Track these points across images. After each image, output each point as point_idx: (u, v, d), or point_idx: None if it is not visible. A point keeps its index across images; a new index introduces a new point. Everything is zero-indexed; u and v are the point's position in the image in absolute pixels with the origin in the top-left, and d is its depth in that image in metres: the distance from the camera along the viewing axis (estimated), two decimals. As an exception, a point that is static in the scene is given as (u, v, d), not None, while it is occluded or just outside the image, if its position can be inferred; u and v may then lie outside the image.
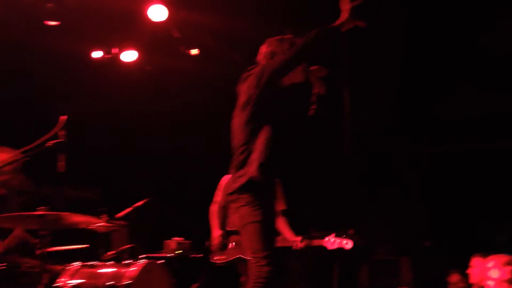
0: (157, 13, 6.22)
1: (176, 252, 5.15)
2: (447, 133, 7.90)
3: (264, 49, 3.42)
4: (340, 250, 4.60)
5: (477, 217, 7.54)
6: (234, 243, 4.69)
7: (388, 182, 7.69)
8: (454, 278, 6.16)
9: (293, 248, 4.61)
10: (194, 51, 7.05)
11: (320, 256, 5.39)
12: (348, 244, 4.48)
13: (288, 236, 4.66)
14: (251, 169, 3.12)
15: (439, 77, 7.49)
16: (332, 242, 4.52)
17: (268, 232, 3.12)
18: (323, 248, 4.58)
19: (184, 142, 7.20)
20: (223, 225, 4.84)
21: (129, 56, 6.89)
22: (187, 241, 5.28)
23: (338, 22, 3.18)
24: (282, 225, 4.66)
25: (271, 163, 3.15)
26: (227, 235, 4.74)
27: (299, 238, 4.59)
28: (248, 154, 3.17)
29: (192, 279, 5.08)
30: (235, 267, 4.68)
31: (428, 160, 8.05)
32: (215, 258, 4.78)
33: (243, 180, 3.15)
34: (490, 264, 4.26)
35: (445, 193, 7.76)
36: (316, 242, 4.48)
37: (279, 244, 4.55)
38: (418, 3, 6.67)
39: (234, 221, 4.76)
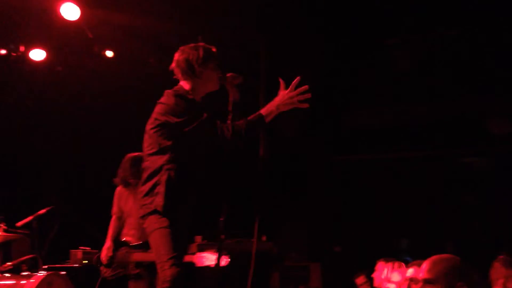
0: (70, 12, 5.99)
1: (82, 263, 4.95)
2: (358, 141, 8.23)
3: (177, 57, 3.37)
4: (251, 255, 4.58)
5: (383, 224, 7.90)
6: (120, 256, 4.56)
7: (300, 189, 7.88)
8: (360, 280, 6.42)
9: None
10: (109, 53, 6.86)
11: (231, 262, 5.39)
12: (222, 261, 4.35)
13: None
14: (157, 201, 3.09)
15: (351, 88, 7.80)
16: (200, 257, 4.42)
17: (174, 237, 3.06)
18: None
19: (93, 147, 6.96)
20: (116, 236, 4.73)
21: (37, 55, 6.57)
22: (94, 251, 5.08)
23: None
24: None
25: (180, 194, 3.12)
26: (118, 246, 4.61)
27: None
28: (156, 183, 3.11)
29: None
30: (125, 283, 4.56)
31: (338, 167, 8.34)
32: (104, 272, 4.63)
33: (149, 209, 3.11)
34: (390, 269, 4.45)
35: (353, 200, 8.08)
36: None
37: None
38: (337, 15, 6.89)
39: (128, 232, 4.73)
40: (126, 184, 4.77)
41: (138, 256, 4.40)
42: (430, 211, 7.98)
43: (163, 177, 3.09)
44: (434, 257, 2.47)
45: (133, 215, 4.64)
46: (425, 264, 2.45)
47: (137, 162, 4.37)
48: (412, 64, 7.58)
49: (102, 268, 4.61)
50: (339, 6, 6.72)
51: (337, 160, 8.30)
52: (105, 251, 4.58)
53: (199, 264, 4.39)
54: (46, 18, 6.11)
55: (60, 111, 6.97)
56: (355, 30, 6.98)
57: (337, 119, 8.12)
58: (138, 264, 4.38)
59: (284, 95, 3.20)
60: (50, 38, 6.50)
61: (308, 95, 3.22)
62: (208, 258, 4.40)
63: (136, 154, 4.58)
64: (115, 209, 4.85)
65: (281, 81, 3.24)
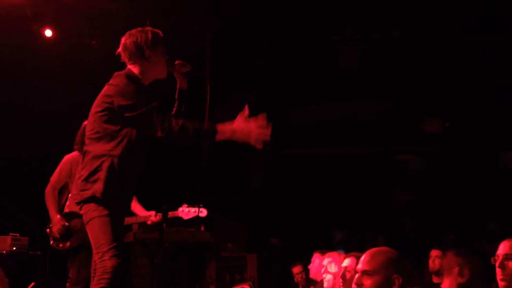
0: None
1: (12, 249, 4.75)
2: (298, 136, 8.36)
3: (124, 40, 3.27)
4: (189, 243, 4.57)
5: (319, 216, 8.09)
6: (76, 227, 4.36)
7: (239, 180, 7.91)
8: (297, 269, 6.54)
9: (148, 223, 4.47)
10: (48, 33, 6.58)
11: (168, 250, 5.35)
12: (202, 212, 4.45)
13: (141, 213, 4.51)
14: (97, 187, 2.99)
15: (295, 83, 7.92)
16: (186, 212, 4.47)
17: (114, 227, 2.98)
18: (178, 220, 4.49)
19: (25, 129, 6.65)
20: (59, 209, 4.46)
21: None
22: (23, 237, 4.89)
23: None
24: (133, 205, 4.51)
25: (120, 183, 3.04)
26: (67, 218, 4.39)
27: (152, 213, 4.47)
28: (97, 168, 3.02)
29: (29, 278, 4.71)
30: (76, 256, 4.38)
31: (277, 160, 8.45)
32: (58, 245, 4.41)
33: (87, 194, 3.01)
34: (327, 260, 4.54)
35: (291, 193, 8.21)
36: (170, 214, 4.38)
37: (133, 221, 4.44)
38: (286, 11, 6.95)
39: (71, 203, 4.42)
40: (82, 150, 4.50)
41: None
42: (363, 205, 8.24)
43: (105, 163, 3.00)
44: (372, 250, 2.55)
45: None
46: (364, 256, 2.52)
47: None
48: (354, 62, 7.79)
49: (56, 242, 4.39)
50: (288, 2, 6.79)
51: (277, 153, 8.39)
52: (58, 225, 4.32)
53: (186, 217, 4.41)
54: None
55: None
56: (303, 26, 7.08)
57: (279, 114, 8.20)
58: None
59: (249, 129, 3.09)
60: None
61: (267, 137, 3.13)
62: (192, 211, 4.41)
63: None
64: (55, 178, 4.51)
65: (246, 108, 3.15)
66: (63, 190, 4.53)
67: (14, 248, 4.76)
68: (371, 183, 8.44)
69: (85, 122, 4.35)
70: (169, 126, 3.01)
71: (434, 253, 5.30)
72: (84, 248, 4.15)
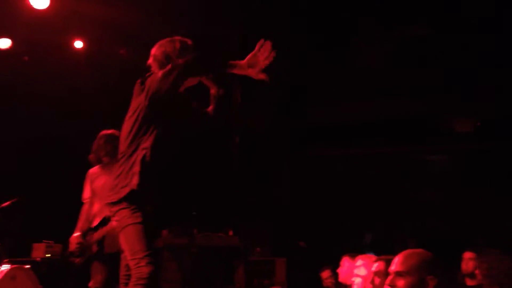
0: (38, 0, 5.87)
1: (45, 256, 4.88)
2: (325, 137, 8.34)
3: (154, 51, 3.37)
4: (217, 248, 4.57)
5: (347, 219, 8.03)
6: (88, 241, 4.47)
7: (266, 184, 7.93)
8: (326, 274, 6.52)
9: None
10: (79, 44, 6.76)
11: (196, 255, 5.41)
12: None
13: None
14: (133, 182, 3.09)
15: (320, 85, 7.89)
16: None
17: (148, 234, 3.07)
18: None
19: (60, 138, 6.84)
20: (86, 225, 4.55)
21: (3, 43, 6.43)
22: (57, 244, 5.02)
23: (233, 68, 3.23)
24: None
25: (153, 176, 3.14)
26: (87, 233, 4.48)
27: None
28: (133, 163, 3.12)
29: (62, 285, 4.83)
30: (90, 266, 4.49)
31: (304, 163, 8.44)
32: (77, 260, 4.53)
33: (125, 191, 3.10)
34: (358, 263, 4.51)
35: (319, 195, 8.18)
36: None
37: None
38: (306, 11, 6.95)
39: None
40: (100, 162, 4.58)
41: (97, 234, 4.34)
42: (394, 207, 8.15)
43: (138, 156, 3.11)
44: (406, 251, 2.56)
45: (102, 195, 4.34)
46: (398, 258, 2.52)
47: (112, 140, 4.32)
48: (378, 61, 7.72)
49: (72, 259, 4.49)
50: (309, 1, 6.79)
51: (304, 156, 8.38)
52: (74, 241, 4.42)
53: None
54: (14, 6, 5.97)
55: (27, 100, 6.83)
56: (324, 25, 7.06)
57: (304, 115, 8.19)
58: (99, 243, 4.31)
59: (255, 60, 3.20)
60: (17, 27, 6.35)
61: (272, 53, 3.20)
62: None
63: (110, 131, 4.47)
64: (86, 194, 4.60)
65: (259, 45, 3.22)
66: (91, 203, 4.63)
67: (48, 255, 4.88)
68: (400, 184, 8.35)
69: (103, 132, 4.51)
70: (183, 63, 3.10)
71: (467, 255, 5.22)
72: (94, 259, 4.28)
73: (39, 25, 6.25)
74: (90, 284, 4.41)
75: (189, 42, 3.36)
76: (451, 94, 7.91)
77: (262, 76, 3.21)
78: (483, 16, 6.81)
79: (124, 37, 6.69)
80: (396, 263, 2.50)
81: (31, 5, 5.86)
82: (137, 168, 3.09)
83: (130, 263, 3.06)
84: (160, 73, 3.12)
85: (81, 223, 4.52)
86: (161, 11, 6.17)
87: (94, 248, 4.35)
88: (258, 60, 3.18)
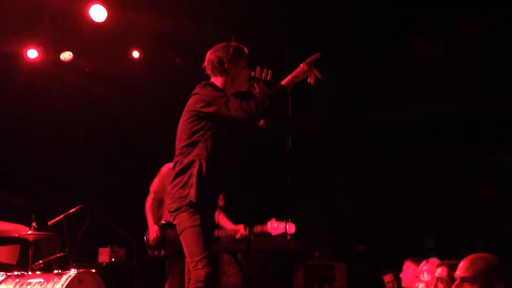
0: (97, 14, 6.10)
1: (111, 260, 5.03)
2: (382, 139, 8.17)
3: (209, 55, 3.43)
4: (276, 252, 4.57)
5: (408, 223, 7.83)
6: (171, 236, 4.52)
7: (324, 187, 7.85)
8: (388, 277, 6.37)
9: (237, 237, 4.55)
10: (135, 54, 6.97)
11: (255, 259, 5.41)
12: (291, 228, 4.46)
13: (229, 226, 4.62)
14: (191, 193, 3.13)
15: (374, 85, 7.74)
16: (275, 227, 4.50)
17: (206, 236, 3.11)
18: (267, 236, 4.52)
19: (121, 147, 7.06)
20: (158, 219, 4.64)
21: (65, 56, 6.72)
22: (121, 249, 5.17)
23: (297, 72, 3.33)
24: (221, 219, 4.63)
25: (211, 186, 3.18)
26: (163, 229, 4.54)
27: (241, 226, 4.56)
28: (190, 175, 3.16)
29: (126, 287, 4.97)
30: (165, 263, 4.55)
31: (362, 165, 8.29)
32: (153, 253, 4.58)
33: (183, 202, 3.15)
34: (422, 268, 4.40)
35: (378, 199, 8.01)
36: (260, 229, 4.45)
37: (221, 234, 4.51)
38: (355, 14, 6.85)
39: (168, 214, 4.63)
40: None
41: None
42: (458, 209, 7.87)
43: (195, 168, 3.14)
44: (472, 256, 2.47)
45: None
46: (463, 263, 2.44)
47: None
48: (436, 60, 7.49)
49: (151, 251, 4.56)
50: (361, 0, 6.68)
51: (361, 158, 8.23)
52: (154, 234, 4.47)
53: (274, 233, 4.39)
54: (74, 19, 6.22)
55: (90, 110, 7.09)
56: (378, 25, 6.93)
57: (360, 117, 8.05)
58: None
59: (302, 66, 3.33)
60: (78, 40, 6.62)
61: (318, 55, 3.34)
62: (280, 227, 4.38)
63: None
64: (155, 187, 4.67)
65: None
66: (161, 201, 4.70)
67: (113, 259, 5.03)
68: (463, 185, 8.06)
69: None
70: (246, 108, 3.13)
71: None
72: (178, 257, 4.33)
73: (99, 37, 6.50)
74: (167, 286, 4.50)
75: (244, 48, 3.42)
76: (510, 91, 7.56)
77: (311, 79, 3.31)
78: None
79: (178, 46, 6.84)
80: (462, 268, 2.41)
81: (90, 19, 6.09)
82: (193, 179, 3.12)
83: (189, 265, 3.10)
84: (237, 103, 3.15)
85: (153, 216, 4.58)
86: (215, 20, 6.25)
87: (175, 246, 4.39)
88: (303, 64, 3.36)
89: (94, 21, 6.12)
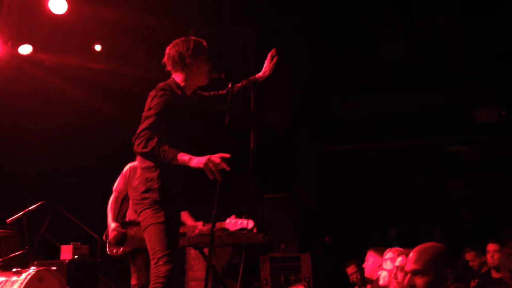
0: (57, 6, 5.98)
1: (74, 257, 4.95)
2: (345, 131, 8.27)
3: (168, 50, 3.40)
4: (241, 245, 4.61)
5: (371, 214, 7.96)
6: (131, 234, 4.53)
7: (289, 180, 7.91)
8: (351, 269, 6.48)
9: (196, 232, 4.57)
10: (97, 47, 6.85)
11: (221, 253, 5.43)
12: (249, 224, 4.49)
13: (189, 223, 4.63)
14: (153, 197, 3.14)
15: (340, 78, 7.81)
16: (233, 223, 4.52)
17: (169, 233, 3.11)
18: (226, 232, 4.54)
19: (82, 141, 6.95)
20: (119, 217, 4.63)
21: (24, 49, 6.55)
22: (84, 245, 5.09)
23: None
24: (182, 215, 4.64)
25: (172, 183, 3.18)
26: (125, 226, 4.54)
27: (200, 223, 4.58)
28: (148, 179, 3.17)
29: (90, 286, 4.90)
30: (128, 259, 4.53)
31: (327, 157, 8.39)
32: (112, 251, 4.58)
33: (146, 204, 3.16)
34: (385, 256, 4.49)
35: (341, 191, 8.13)
36: (218, 225, 4.46)
37: (181, 230, 4.54)
38: (322, 9, 6.88)
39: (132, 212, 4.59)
40: None
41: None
42: (418, 199, 8.05)
43: (154, 173, 3.15)
44: (419, 247, 2.50)
45: None
46: (412, 255, 2.47)
47: None
48: (399, 51, 7.60)
49: (110, 248, 4.54)
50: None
51: (326, 150, 8.32)
52: (114, 232, 4.46)
53: (232, 229, 4.43)
54: (34, 12, 6.08)
55: (48, 105, 6.95)
56: (342, 16, 6.99)
57: (324, 109, 8.12)
58: None
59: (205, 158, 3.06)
60: (37, 33, 6.47)
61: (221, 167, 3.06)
62: (238, 223, 4.41)
63: None
64: (119, 187, 4.66)
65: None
66: (126, 198, 4.68)
67: (76, 256, 4.96)
68: (424, 176, 8.24)
69: None
70: (146, 142, 3.05)
71: (492, 247, 5.13)
72: (139, 254, 4.31)
73: (59, 30, 6.37)
74: (133, 281, 4.47)
75: (204, 43, 3.40)
76: (475, 84, 7.74)
77: (211, 176, 3.08)
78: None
79: (140, 39, 6.76)
80: (410, 261, 2.45)
81: (50, 11, 5.96)
82: (154, 184, 3.14)
83: (151, 262, 3.10)
84: (143, 137, 3.07)
85: (113, 214, 4.57)
86: (177, 13, 6.20)
87: (135, 243, 4.39)
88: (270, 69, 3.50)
89: (54, 13, 6.01)
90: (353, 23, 7.02)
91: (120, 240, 4.47)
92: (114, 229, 4.49)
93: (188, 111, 3.21)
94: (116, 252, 4.50)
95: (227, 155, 3.00)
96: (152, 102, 3.19)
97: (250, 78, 3.51)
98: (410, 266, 2.44)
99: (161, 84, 3.31)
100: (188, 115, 3.13)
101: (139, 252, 4.35)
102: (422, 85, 7.84)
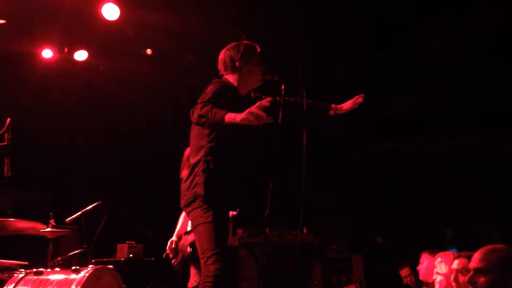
0: (110, 12, 6.15)
1: (129, 256, 5.07)
2: (398, 131, 8.09)
3: (221, 55, 3.50)
4: (292, 246, 4.56)
5: (426, 214, 7.75)
6: (183, 243, 4.59)
7: (341, 180, 7.81)
8: (405, 271, 6.33)
9: None
10: (148, 51, 7.00)
11: (272, 254, 5.43)
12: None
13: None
14: (197, 191, 3.19)
15: (388, 78, 7.67)
16: None
17: (218, 233, 3.14)
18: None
19: (135, 143, 7.11)
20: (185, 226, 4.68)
21: (80, 55, 6.77)
22: (139, 245, 5.21)
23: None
24: None
25: (219, 183, 3.21)
26: (181, 238, 4.61)
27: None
28: (195, 174, 3.22)
29: (144, 284, 5.01)
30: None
31: (377, 158, 8.23)
32: (173, 263, 4.69)
33: (189, 198, 3.22)
34: (438, 260, 4.38)
35: (395, 191, 7.95)
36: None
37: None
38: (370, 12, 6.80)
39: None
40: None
41: (192, 237, 4.39)
42: (473, 200, 7.77)
43: (201, 168, 3.20)
44: (487, 247, 2.47)
45: None
46: (477, 254, 2.44)
47: None
48: (449, 51, 7.38)
49: (172, 261, 4.63)
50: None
51: (378, 150, 8.17)
52: (168, 244, 4.56)
53: None
54: (88, 18, 6.27)
55: (104, 108, 7.15)
56: (390, 18, 6.87)
57: (375, 109, 7.97)
58: (191, 244, 4.38)
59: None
60: (92, 39, 6.67)
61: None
62: None
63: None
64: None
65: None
66: None
67: (131, 255, 5.08)
68: (479, 176, 7.95)
69: (188, 149, 4.57)
70: (202, 111, 3.03)
71: None
72: (191, 261, 4.37)
73: (112, 36, 6.55)
74: (189, 284, 4.54)
75: (256, 46, 3.47)
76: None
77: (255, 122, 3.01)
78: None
79: (192, 44, 6.86)
80: (476, 259, 2.42)
81: (103, 17, 6.14)
82: (200, 179, 3.18)
83: (201, 261, 3.13)
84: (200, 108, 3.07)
85: (178, 227, 4.66)
86: (227, 18, 6.26)
87: (188, 250, 4.45)
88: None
89: (106, 19, 6.17)
90: (403, 22, 6.88)
91: (172, 253, 4.54)
92: (170, 242, 4.59)
93: (240, 107, 3.23)
94: (175, 263, 4.57)
95: (266, 103, 3.00)
96: (206, 90, 3.25)
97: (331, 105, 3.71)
98: (474, 264, 2.41)
99: (215, 79, 3.39)
100: (240, 111, 3.15)
101: (188, 260, 4.41)
102: (472, 84, 7.59)
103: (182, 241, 4.55)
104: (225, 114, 2.98)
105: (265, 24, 6.31)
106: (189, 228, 4.53)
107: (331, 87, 6.69)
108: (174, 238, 4.60)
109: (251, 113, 2.91)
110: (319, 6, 6.45)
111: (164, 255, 4.64)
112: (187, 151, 4.64)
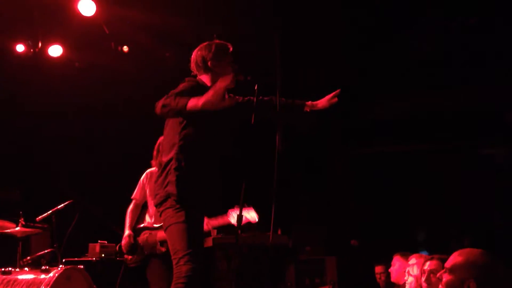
0: (86, 8, 6.07)
1: (100, 256, 5.00)
2: (374, 134, 8.16)
3: (193, 55, 3.47)
4: (266, 247, 4.57)
5: (398, 217, 7.84)
6: (143, 240, 4.47)
7: (315, 182, 7.85)
8: (379, 268, 6.40)
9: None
10: (125, 48, 6.92)
11: (246, 255, 5.42)
12: (250, 212, 4.34)
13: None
14: (169, 190, 3.15)
15: (371, 80, 7.72)
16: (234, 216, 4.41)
17: (191, 233, 3.10)
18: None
19: (108, 141, 7.02)
20: (136, 223, 4.60)
21: (55, 50, 6.66)
22: (111, 244, 5.14)
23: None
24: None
25: (191, 182, 3.17)
26: (137, 232, 4.51)
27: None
28: (168, 172, 3.18)
29: (116, 284, 4.94)
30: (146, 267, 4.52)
31: (354, 160, 8.30)
32: (126, 259, 4.58)
33: (162, 197, 3.18)
34: (412, 261, 4.42)
35: (369, 193, 8.03)
36: (221, 221, 4.39)
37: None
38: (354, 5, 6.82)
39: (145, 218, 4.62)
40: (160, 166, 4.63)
41: (163, 234, 4.26)
42: (448, 204, 7.89)
43: (173, 166, 3.16)
44: (464, 249, 2.52)
45: None
46: (454, 254, 2.49)
47: None
48: (428, 53, 7.46)
49: (125, 256, 4.54)
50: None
51: (354, 153, 8.23)
52: (126, 239, 4.45)
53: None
54: (63, 14, 6.18)
55: (77, 106, 7.05)
56: (371, 19, 6.91)
57: (353, 112, 8.03)
58: (162, 243, 4.30)
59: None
60: (67, 34, 6.58)
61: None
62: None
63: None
64: (137, 195, 4.63)
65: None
66: (146, 205, 4.66)
67: (103, 255, 5.01)
68: (454, 180, 8.08)
69: (161, 138, 4.53)
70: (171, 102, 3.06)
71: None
72: (153, 260, 4.31)
73: (87, 31, 6.46)
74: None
75: (228, 45, 3.45)
76: (506, 86, 7.55)
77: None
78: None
79: (167, 41, 6.81)
80: (449, 258, 2.48)
81: (79, 13, 6.05)
82: (172, 177, 3.14)
83: (173, 262, 3.09)
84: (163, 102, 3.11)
85: (130, 222, 4.55)
86: (202, 15, 6.23)
87: (159, 248, 4.36)
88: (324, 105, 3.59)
89: (83, 15, 6.09)
90: (385, 24, 6.92)
91: (131, 248, 4.44)
92: (125, 237, 4.47)
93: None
94: (130, 260, 4.49)
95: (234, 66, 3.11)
96: (178, 87, 3.24)
97: (306, 102, 3.64)
98: (446, 263, 2.48)
99: (188, 78, 3.39)
100: (214, 111, 3.12)
101: (154, 257, 4.34)
102: (453, 87, 7.70)
103: (144, 236, 4.45)
104: (188, 99, 2.97)
105: (244, 22, 6.29)
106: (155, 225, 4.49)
107: (313, 88, 6.70)
108: (128, 231, 4.48)
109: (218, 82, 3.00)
110: (301, 5, 6.45)
111: (117, 250, 4.55)
112: (161, 139, 4.65)
